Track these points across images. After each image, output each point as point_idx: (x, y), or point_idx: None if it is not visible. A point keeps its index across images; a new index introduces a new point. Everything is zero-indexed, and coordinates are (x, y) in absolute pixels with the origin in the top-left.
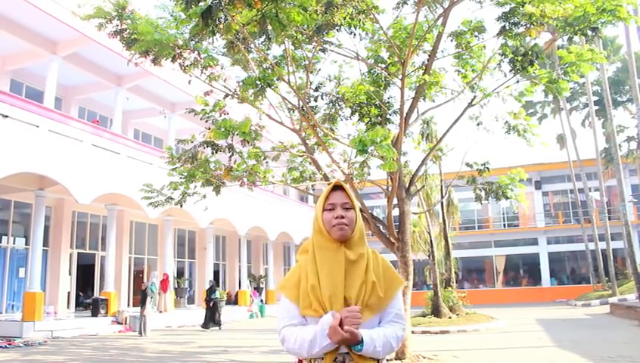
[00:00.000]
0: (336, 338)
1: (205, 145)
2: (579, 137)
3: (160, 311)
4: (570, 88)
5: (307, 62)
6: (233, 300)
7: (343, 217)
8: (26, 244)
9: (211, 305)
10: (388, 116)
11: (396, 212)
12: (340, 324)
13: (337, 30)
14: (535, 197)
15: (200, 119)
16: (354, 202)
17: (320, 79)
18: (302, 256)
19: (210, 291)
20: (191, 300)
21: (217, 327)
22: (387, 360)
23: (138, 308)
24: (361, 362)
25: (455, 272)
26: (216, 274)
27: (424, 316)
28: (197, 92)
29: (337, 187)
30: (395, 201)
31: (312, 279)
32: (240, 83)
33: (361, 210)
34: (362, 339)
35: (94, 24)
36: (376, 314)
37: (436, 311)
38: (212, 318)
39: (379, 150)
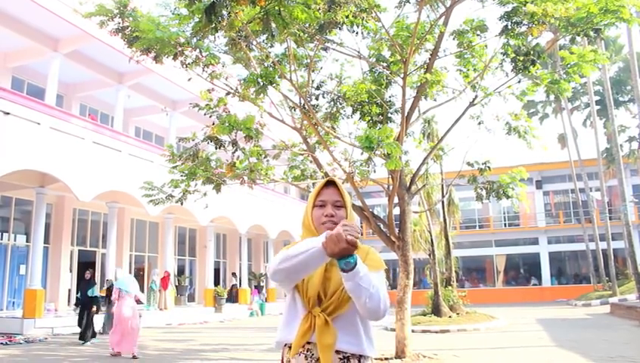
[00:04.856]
0: (337, 246)
1: (208, 140)
2: (581, 137)
3: (161, 309)
4: (572, 88)
5: (309, 60)
6: (233, 298)
7: (333, 216)
8: (26, 241)
9: (93, 307)
10: (389, 115)
11: (396, 211)
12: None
13: (339, 29)
14: (536, 196)
15: (205, 114)
16: (346, 200)
17: (321, 78)
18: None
19: (87, 286)
20: (191, 298)
21: (87, 340)
22: (387, 358)
23: (139, 306)
24: (325, 351)
25: (456, 271)
26: (217, 271)
27: (425, 315)
28: (198, 90)
29: (330, 184)
30: (396, 200)
31: None
32: (242, 81)
33: (362, 209)
34: (355, 258)
35: (95, 22)
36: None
37: (436, 310)
38: (88, 325)
39: (386, 147)
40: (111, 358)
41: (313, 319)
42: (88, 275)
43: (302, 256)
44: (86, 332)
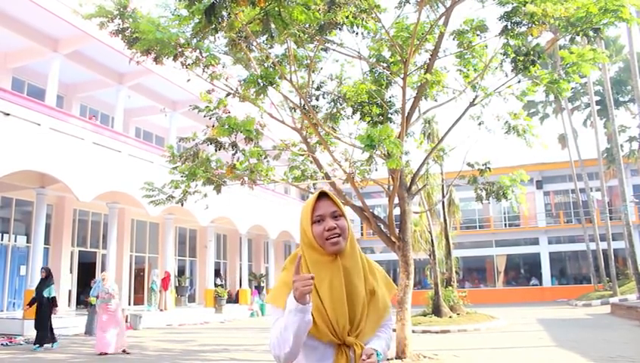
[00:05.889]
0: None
1: (208, 142)
2: (581, 137)
3: (161, 310)
4: (572, 88)
5: (309, 61)
6: (234, 299)
7: (335, 228)
8: (27, 242)
9: (53, 308)
10: (390, 115)
11: (397, 211)
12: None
13: (339, 29)
14: (536, 196)
15: (204, 116)
16: (342, 209)
17: (322, 78)
18: (293, 265)
19: (42, 285)
20: (191, 298)
21: (50, 344)
22: (387, 359)
23: (139, 307)
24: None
25: (456, 272)
26: (217, 272)
27: (425, 315)
28: (198, 91)
29: (322, 196)
30: (396, 200)
31: (311, 297)
32: (242, 82)
33: (362, 209)
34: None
35: (95, 22)
36: (379, 322)
37: (436, 311)
38: (44, 327)
39: (387, 146)
40: (110, 357)
41: (347, 350)
42: (43, 274)
43: (289, 332)
44: (44, 335)
